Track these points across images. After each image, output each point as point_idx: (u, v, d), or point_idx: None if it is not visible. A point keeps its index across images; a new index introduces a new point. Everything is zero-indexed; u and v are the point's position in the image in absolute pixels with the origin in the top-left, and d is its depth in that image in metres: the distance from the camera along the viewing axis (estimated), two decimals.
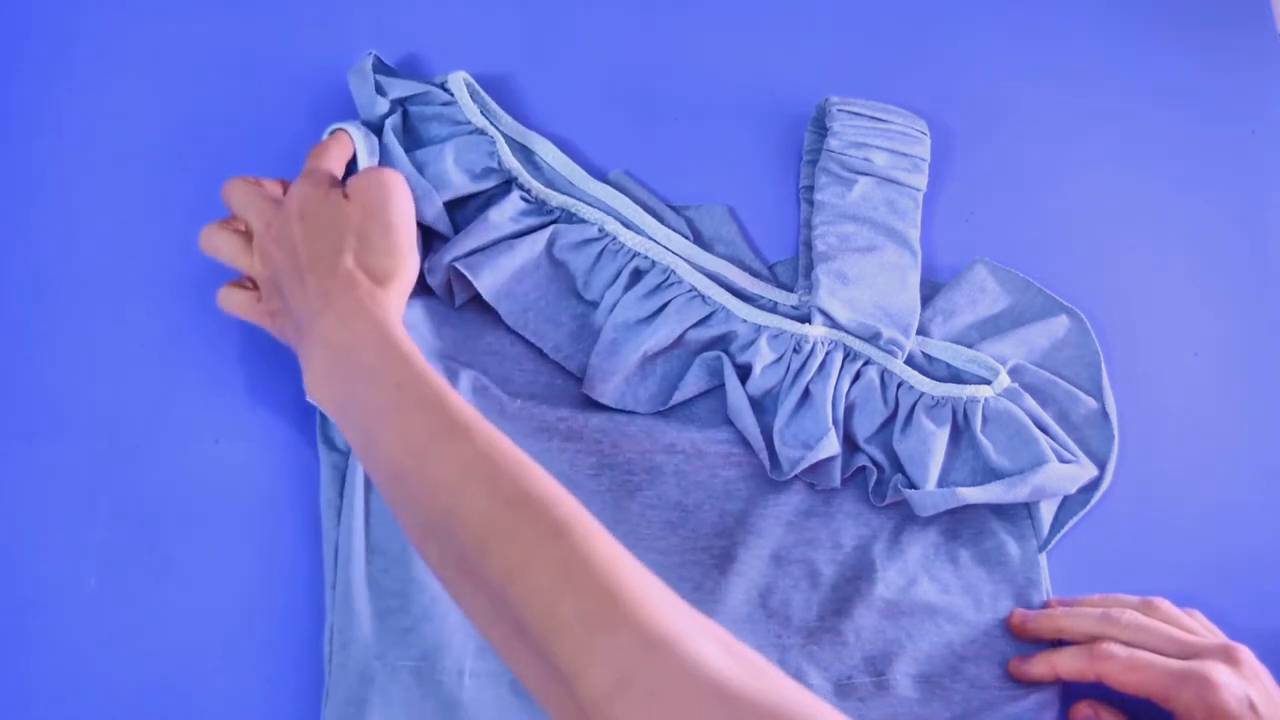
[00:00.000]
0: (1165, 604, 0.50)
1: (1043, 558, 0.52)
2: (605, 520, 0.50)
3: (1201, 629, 0.50)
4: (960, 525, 0.52)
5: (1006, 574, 0.52)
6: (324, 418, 0.51)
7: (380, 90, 0.54)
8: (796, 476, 0.52)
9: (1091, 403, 0.54)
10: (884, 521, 0.52)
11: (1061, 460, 0.52)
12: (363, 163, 0.53)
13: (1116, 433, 0.54)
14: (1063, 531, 0.53)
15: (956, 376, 0.54)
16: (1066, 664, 0.49)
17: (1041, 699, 0.49)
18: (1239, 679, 0.46)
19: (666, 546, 0.51)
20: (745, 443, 0.53)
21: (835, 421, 0.51)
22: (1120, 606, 0.50)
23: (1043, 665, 0.50)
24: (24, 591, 0.50)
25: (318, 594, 0.50)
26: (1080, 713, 0.50)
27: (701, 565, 0.51)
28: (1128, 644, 0.48)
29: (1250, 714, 0.45)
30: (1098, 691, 0.49)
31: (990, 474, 0.51)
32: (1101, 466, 0.54)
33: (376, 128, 0.54)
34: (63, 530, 0.51)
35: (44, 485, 0.52)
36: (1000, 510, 0.53)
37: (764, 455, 0.51)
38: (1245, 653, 0.47)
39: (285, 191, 0.52)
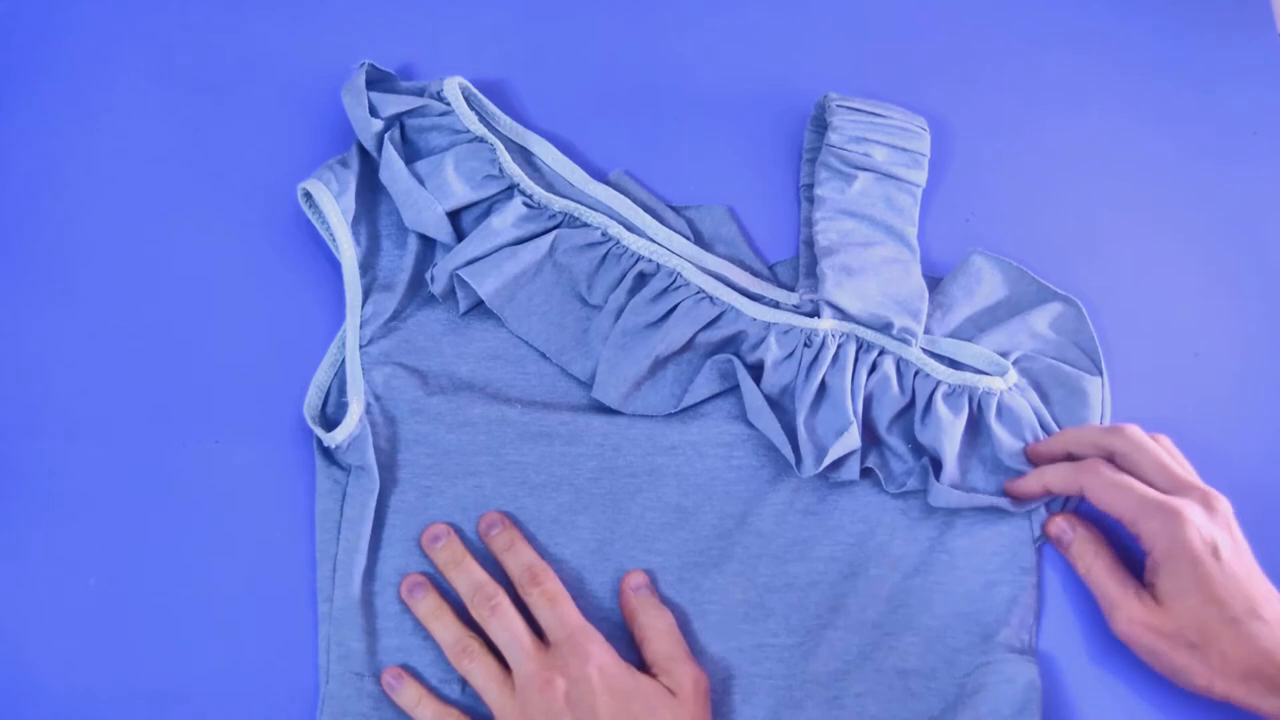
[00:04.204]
0: (1168, 441, 0.51)
1: (1036, 550, 0.53)
2: (605, 523, 0.51)
3: (1193, 473, 0.50)
4: (956, 518, 0.52)
5: (1001, 564, 0.52)
6: (318, 438, 0.51)
7: (374, 110, 0.54)
8: (797, 475, 0.52)
9: (1092, 390, 0.54)
10: (880, 517, 0.52)
11: None
12: (334, 223, 0.53)
13: (1108, 422, 0.54)
14: None
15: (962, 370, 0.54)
16: (1054, 475, 0.50)
17: (1029, 682, 0.50)
18: (1209, 522, 0.46)
19: (666, 549, 0.51)
20: (746, 444, 0.53)
21: (855, 413, 0.51)
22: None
23: (1034, 480, 0.50)
24: (24, 591, 0.50)
25: (316, 597, 0.50)
26: (1057, 524, 0.51)
27: (701, 567, 0.51)
28: (1120, 463, 0.49)
29: (1211, 557, 0.46)
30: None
31: (1000, 464, 0.52)
32: None
33: (374, 145, 0.54)
34: (63, 531, 0.51)
35: (44, 485, 0.52)
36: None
37: (789, 453, 0.51)
38: (1224, 503, 0.48)
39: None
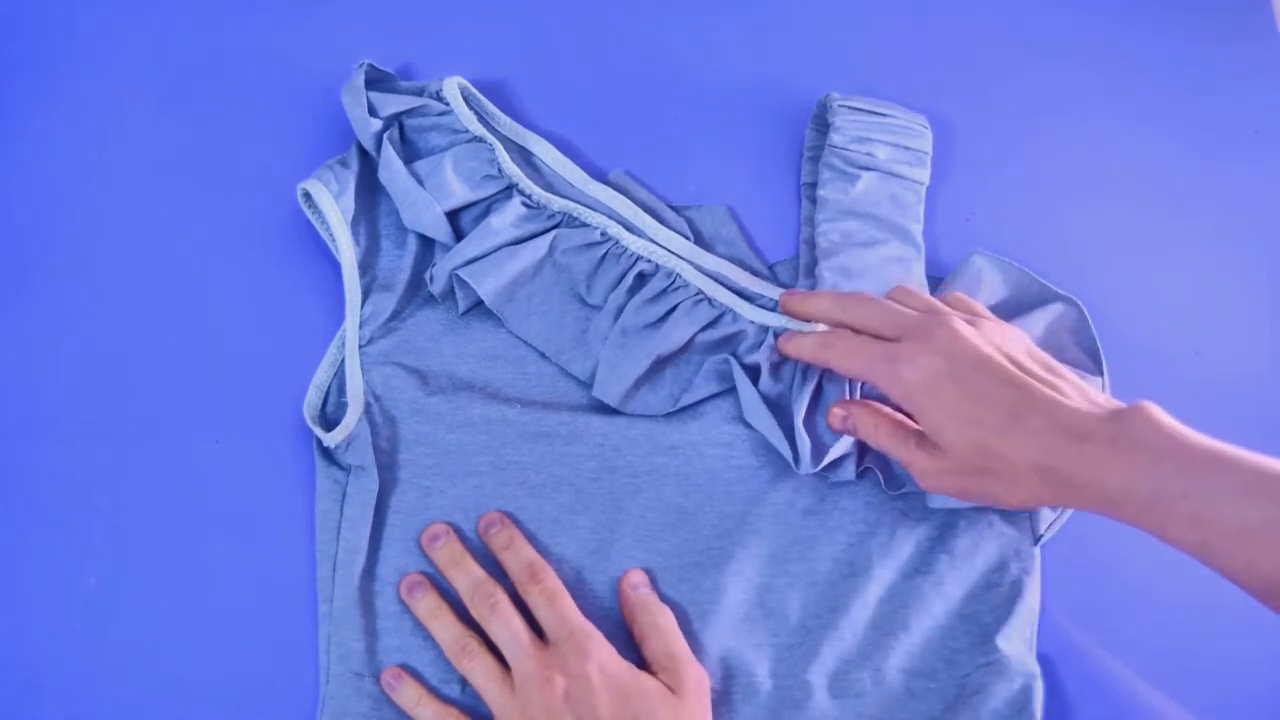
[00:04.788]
0: (903, 286, 0.50)
1: (1037, 550, 0.53)
2: (605, 523, 0.51)
3: (918, 301, 0.49)
4: (956, 517, 0.52)
5: (1002, 564, 0.52)
6: (318, 438, 0.51)
7: (373, 109, 0.54)
8: (796, 476, 0.52)
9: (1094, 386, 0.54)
10: (880, 518, 0.52)
11: None
12: (333, 223, 0.53)
13: None
14: (1058, 524, 0.53)
15: None
16: (802, 347, 0.50)
17: (1029, 683, 0.50)
18: (927, 351, 0.45)
19: (666, 548, 0.51)
20: (746, 445, 0.53)
21: None
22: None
23: (788, 344, 0.51)
24: (24, 591, 0.50)
25: (316, 597, 0.50)
26: (834, 414, 0.50)
27: (700, 567, 0.51)
28: (859, 329, 0.48)
29: (942, 384, 0.44)
30: None
31: None
32: None
33: (374, 145, 0.54)
34: (63, 530, 0.51)
35: (44, 485, 0.52)
36: None
37: (787, 452, 0.51)
38: (942, 327, 0.46)
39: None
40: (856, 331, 0.49)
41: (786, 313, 0.53)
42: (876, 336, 0.48)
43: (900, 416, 0.48)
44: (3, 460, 0.52)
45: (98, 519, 0.51)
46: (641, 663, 0.49)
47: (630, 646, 0.50)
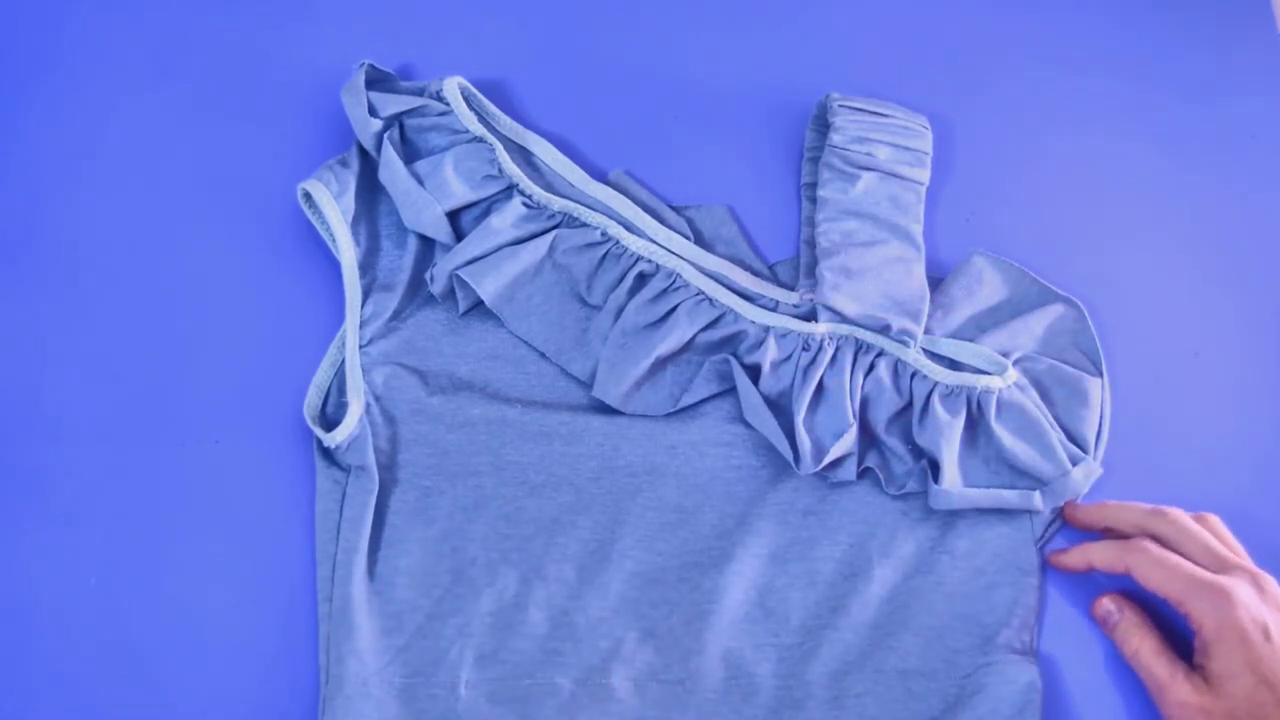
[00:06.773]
0: (1215, 520, 0.51)
1: (1037, 550, 0.53)
2: (605, 523, 0.51)
3: (1242, 553, 0.50)
4: (957, 518, 0.52)
5: (1003, 565, 0.52)
6: (318, 438, 0.51)
7: (373, 109, 0.54)
8: (797, 476, 0.52)
9: (1092, 390, 0.54)
10: (881, 518, 0.52)
11: (1068, 453, 0.52)
12: (333, 223, 0.53)
13: (1107, 422, 0.54)
14: (1057, 525, 0.53)
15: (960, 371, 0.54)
16: (1100, 553, 0.50)
17: (1029, 683, 0.50)
18: (1259, 602, 0.46)
19: (666, 548, 0.51)
20: (746, 445, 0.53)
21: (853, 415, 0.51)
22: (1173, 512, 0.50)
23: (1077, 555, 0.51)
24: (24, 591, 0.50)
25: (316, 597, 0.50)
26: (1103, 605, 0.51)
27: (700, 566, 0.51)
28: (1165, 544, 0.49)
29: (1261, 637, 0.45)
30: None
31: (1003, 464, 0.52)
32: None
33: (374, 145, 0.54)
34: (63, 530, 0.51)
35: (44, 485, 0.52)
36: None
37: (788, 452, 0.51)
38: (1273, 583, 0.47)
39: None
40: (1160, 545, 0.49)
41: (1073, 521, 0.52)
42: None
43: (1161, 636, 0.49)
44: (3, 460, 0.52)
45: (98, 519, 0.51)
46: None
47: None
